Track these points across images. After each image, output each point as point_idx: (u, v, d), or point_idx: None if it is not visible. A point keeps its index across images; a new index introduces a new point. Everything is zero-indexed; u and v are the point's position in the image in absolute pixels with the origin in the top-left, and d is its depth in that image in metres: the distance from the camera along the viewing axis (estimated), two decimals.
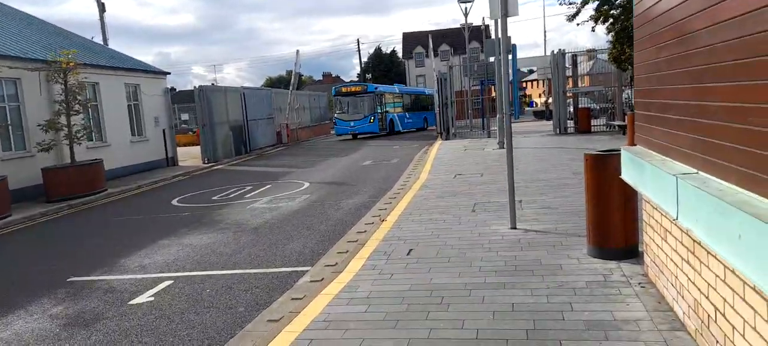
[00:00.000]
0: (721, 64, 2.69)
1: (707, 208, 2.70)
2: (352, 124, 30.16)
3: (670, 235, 3.80)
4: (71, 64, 14.21)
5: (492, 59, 18.64)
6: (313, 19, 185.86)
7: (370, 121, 29.98)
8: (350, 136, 30.33)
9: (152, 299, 5.65)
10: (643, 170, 4.01)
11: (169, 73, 22.51)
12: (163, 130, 20.98)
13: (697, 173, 3.15)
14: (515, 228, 6.57)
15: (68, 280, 6.63)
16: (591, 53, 25.06)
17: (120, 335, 4.74)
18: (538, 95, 64.92)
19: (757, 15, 2.20)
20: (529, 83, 73.71)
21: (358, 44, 63.41)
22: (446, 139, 22.31)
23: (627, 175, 4.58)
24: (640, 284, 4.41)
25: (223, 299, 5.49)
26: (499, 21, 6.71)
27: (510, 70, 9.26)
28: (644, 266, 4.69)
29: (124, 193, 14.68)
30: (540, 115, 37.40)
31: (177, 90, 63.54)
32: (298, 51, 31.21)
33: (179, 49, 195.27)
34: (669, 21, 3.56)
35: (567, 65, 22.22)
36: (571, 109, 22.80)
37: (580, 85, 23.64)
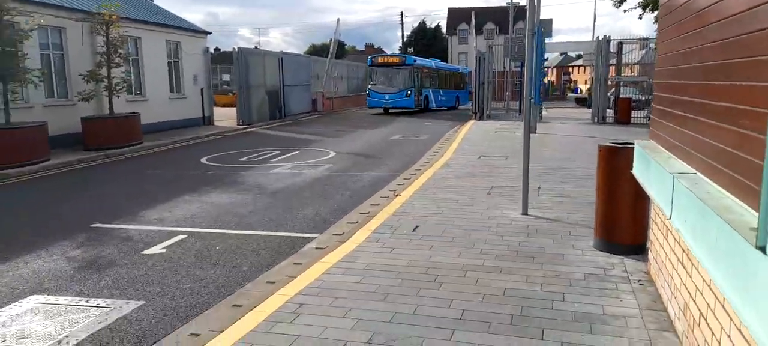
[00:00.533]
0: (721, 63, 2.57)
1: (694, 209, 2.61)
2: (386, 97, 28.52)
3: (670, 234, 3.69)
4: (113, 17, 14.61)
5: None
6: None
7: (405, 96, 28.36)
8: (382, 111, 28.87)
9: (164, 251, 5.88)
10: (649, 166, 3.89)
11: (210, 33, 22.90)
12: (201, 89, 21.44)
13: (694, 173, 3.04)
14: (526, 214, 6.50)
15: (91, 226, 6.95)
16: (642, 42, 24.06)
17: (128, 281, 4.97)
18: (583, 82, 63.04)
19: (753, 14, 2.08)
20: (576, 69, 71.60)
21: (402, 17, 62.67)
22: (479, 120, 22.02)
23: (636, 169, 4.45)
24: (639, 281, 4.32)
25: (230, 257, 5.66)
26: (528, 2, 6.52)
27: (536, 54, 9.00)
28: (647, 264, 4.58)
29: (158, 147, 15.15)
30: (582, 102, 36.40)
31: (221, 51, 64.62)
32: (338, 20, 31.32)
33: (228, 11, 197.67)
34: (685, 13, 3.40)
35: (613, 52, 21.47)
36: (613, 99, 22.10)
37: (625, 73, 22.83)
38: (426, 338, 3.47)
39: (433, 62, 33.69)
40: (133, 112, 15.54)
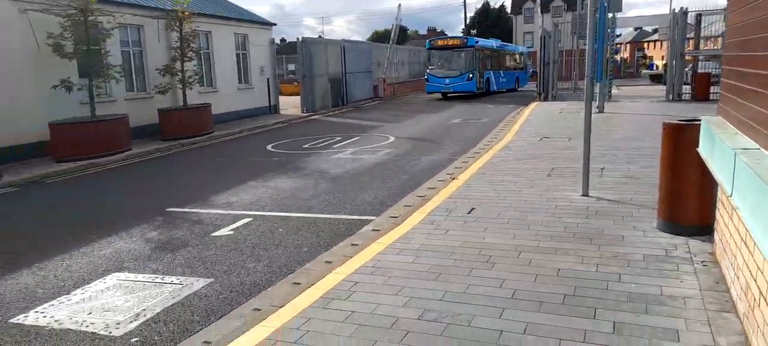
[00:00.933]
0: None
1: (753, 186, 2.50)
2: (446, 81, 27.19)
3: (735, 213, 3.52)
4: (186, 14, 15.40)
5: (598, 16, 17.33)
6: None
7: (467, 79, 26.93)
8: (440, 96, 27.78)
9: (231, 233, 6.23)
10: (714, 143, 3.71)
11: (275, 24, 23.56)
12: (268, 80, 22.18)
13: (758, 149, 2.89)
14: (587, 195, 6.33)
15: (166, 209, 7.46)
16: (725, 12, 22.37)
17: (198, 261, 5.33)
18: (660, 57, 59.46)
19: None
20: (652, 44, 67.62)
21: (464, 1, 61.36)
22: (544, 101, 21.40)
23: (702, 147, 4.25)
24: (703, 262, 4.14)
25: (291, 238, 5.92)
26: None
27: (597, 30, 8.60)
28: (713, 245, 4.37)
29: (227, 136, 15.89)
30: (657, 78, 34.41)
31: (286, 41, 66.31)
32: (399, 5, 31.14)
33: (293, 1, 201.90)
34: None
35: (691, 23, 20.14)
36: (690, 74, 20.76)
37: (705, 47, 21.37)
38: (475, 315, 3.52)
39: (494, 43, 31.99)
40: (205, 103, 16.36)
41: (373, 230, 5.66)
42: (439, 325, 3.43)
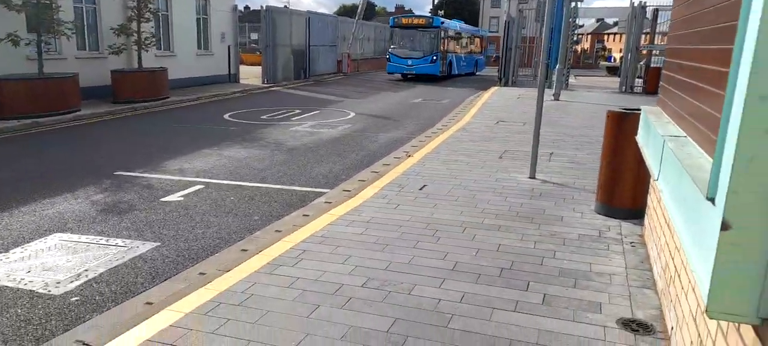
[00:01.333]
0: (712, 27, 2.60)
1: (674, 170, 2.68)
2: (409, 62, 25.85)
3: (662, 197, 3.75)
4: None
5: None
6: None
7: (431, 61, 25.73)
8: (401, 77, 26.57)
9: (181, 199, 6.17)
10: (649, 131, 3.92)
11: None
12: (228, 47, 21.66)
13: (685, 137, 3.09)
14: (534, 178, 6.56)
15: (115, 173, 7.29)
16: None
17: (145, 225, 5.27)
18: (618, 50, 61.15)
19: None
20: (612, 37, 69.40)
21: None
22: (504, 86, 21.77)
23: (639, 135, 4.47)
24: (631, 243, 4.40)
25: (243, 207, 5.91)
26: None
27: (554, 18, 8.83)
28: (643, 228, 4.65)
29: (183, 102, 15.51)
30: (613, 70, 35.47)
31: (250, 9, 64.63)
32: None
33: None
34: None
35: (649, 19, 20.81)
36: (643, 68, 21.51)
37: (661, 42, 22.10)
38: (417, 285, 3.65)
39: (457, 24, 30.97)
40: (161, 67, 15.88)
41: (326, 202, 5.71)
42: (381, 292, 3.54)
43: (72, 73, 12.75)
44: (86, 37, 15.18)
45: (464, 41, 31.94)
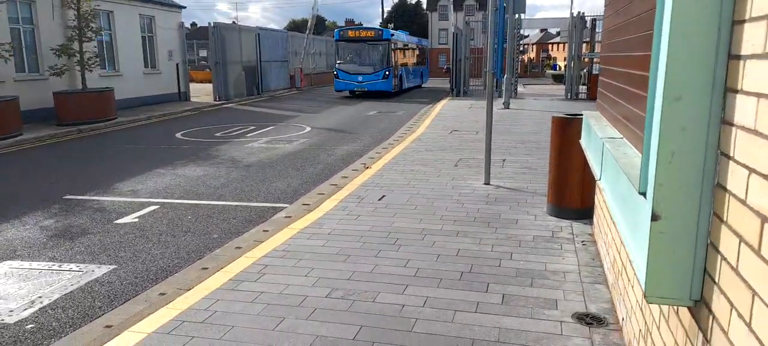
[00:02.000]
0: (639, 35, 2.84)
1: (612, 169, 2.89)
2: (359, 78, 23.87)
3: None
4: None
5: (507, 17, 18.34)
6: None
7: (383, 77, 23.86)
8: (349, 93, 24.58)
9: (136, 220, 6.05)
10: (590, 134, 4.18)
11: (185, 8, 22.58)
12: (177, 65, 21.26)
13: (621, 138, 3.33)
14: (488, 184, 6.79)
15: (64, 197, 7.06)
16: None
17: (100, 248, 5.15)
18: (562, 58, 63.61)
19: None
20: (555, 46, 72.09)
21: None
22: (456, 97, 22.27)
23: (583, 138, 4.74)
24: (582, 242, 4.65)
25: (201, 225, 5.85)
26: None
27: (501, 28, 9.20)
28: (592, 227, 4.91)
29: (132, 122, 15.11)
30: (558, 78, 36.87)
31: (198, 26, 63.55)
32: None
33: None
34: None
35: (588, 28, 21.81)
36: (586, 75, 22.49)
37: (599, 50, 23.17)
38: (380, 292, 3.75)
39: (404, 35, 29.60)
40: (107, 88, 15.43)
41: (286, 216, 5.74)
42: (346, 301, 3.61)
43: (11, 97, 12.22)
44: (25, 58, 14.60)
45: (412, 53, 30.78)
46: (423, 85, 31.78)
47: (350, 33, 25.21)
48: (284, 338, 3.16)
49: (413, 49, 30.97)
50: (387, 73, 24.07)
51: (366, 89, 23.88)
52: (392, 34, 25.11)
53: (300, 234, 5.05)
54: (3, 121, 11.62)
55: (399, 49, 26.60)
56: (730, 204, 1.45)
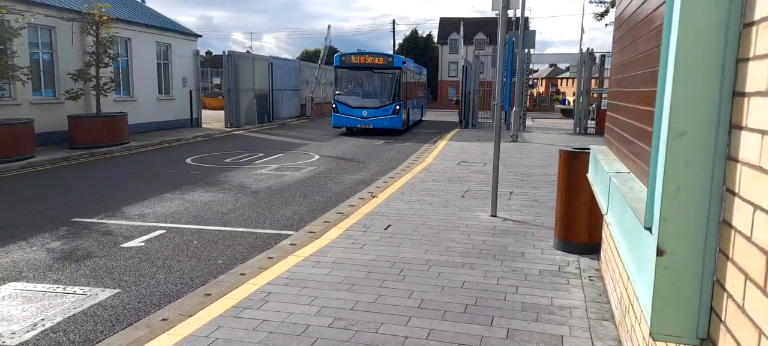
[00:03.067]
0: (645, 71, 2.85)
1: (619, 203, 2.87)
2: (364, 113, 19.80)
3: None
4: (104, 17, 14.77)
5: (516, 52, 18.53)
6: None
7: (393, 112, 19.92)
8: (346, 130, 20.66)
9: (142, 244, 6.06)
10: (597, 168, 4.16)
11: (201, 36, 23.06)
12: (190, 92, 21.58)
13: (628, 173, 3.31)
14: (495, 216, 6.76)
15: (72, 219, 7.10)
16: None
17: (105, 272, 5.15)
18: (571, 93, 63.91)
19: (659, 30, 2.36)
20: (564, 81, 72.49)
21: (394, 26, 62.78)
22: (465, 128, 22.35)
23: (590, 173, 4.72)
24: (590, 277, 4.59)
25: (206, 251, 5.85)
26: (500, 13, 6.81)
27: (507, 64, 9.32)
28: (600, 262, 4.85)
29: (144, 147, 15.28)
30: (567, 113, 36.95)
31: (213, 54, 64.70)
32: (329, 26, 31.49)
33: (222, 15, 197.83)
34: (628, 27, 3.68)
35: (598, 64, 21.97)
36: (595, 110, 22.53)
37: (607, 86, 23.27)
38: (383, 323, 3.70)
39: (412, 64, 25.38)
40: (121, 112, 15.66)
41: (291, 244, 5.73)
42: (348, 332, 3.57)
43: (26, 119, 12.43)
44: (42, 82, 14.89)
45: (419, 84, 27.78)
46: (423, 119, 28.45)
47: (353, 59, 20.70)
48: None
49: (419, 78, 28.04)
50: (397, 107, 19.90)
51: (371, 126, 19.78)
52: (403, 62, 21.01)
53: (305, 262, 5.03)
54: (17, 143, 11.80)
55: (409, 80, 23.18)
56: (736, 240, 1.43)
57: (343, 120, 20.06)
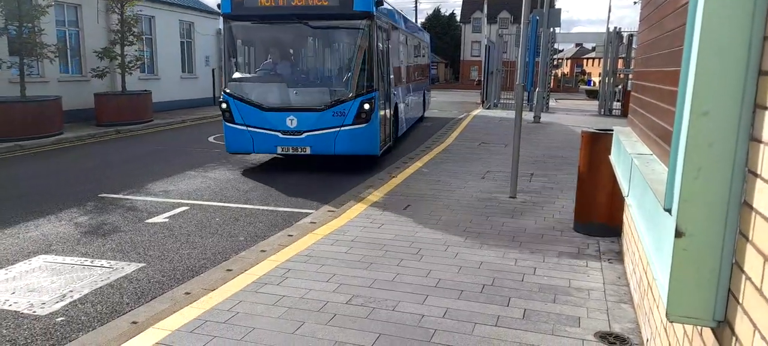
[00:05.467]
0: (670, 50, 2.78)
1: (640, 185, 2.83)
2: (290, 122, 8.70)
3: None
4: None
5: (540, 30, 18.17)
6: None
7: (357, 117, 8.69)
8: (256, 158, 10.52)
9: (167, 220, 6.19)
10: (620, 150, 4.10)
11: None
12: (213, 70, 21.76)
13: (651, 155, 3.25)
14: (514, 197, 6.72)
15: (99, 195, 7.29)
16: None
17: (130, 246, 5.29)
18: (597, 74, 62.72)
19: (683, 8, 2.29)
20: (590, 61, 71.11)
21: (416, 3, 62.13)
22: (486, 109, 22.14)
23: (612, 154, 4.65)
24: (609, 259, 4.55)
25: (228, 228, 5.95)
26: None
27: (533, 41, 9.19)
28: (620, 245, 4.80)
29: (167, 125, 15.51)
30: (592, 94, 36.29)
31: None
32: None
33: None
34: (654, 5, 3.59)
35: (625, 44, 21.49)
36: (621, 91, 22.09)
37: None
38: (400, 301, 3.74)
39: (398, 16, 13.04)
40: (145, 90, 15.90)
41: (311, 222, 5.79)
42: (366, 309, 3.62)
43: (54, 97, 12.71)
44: (69, 60, 15.18)
45: (414, 54, 15.65)
46: (425, 116, 17.77)
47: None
48: (303, 342, 3.18)
49: (416, 44, 16.03)
50: (366, 106, 8.78)
51: (308, 149, 8.86)
52: (379, 3, 9.21)
53: (324, 240, 5.09)
54: (46, 119, 12.09)
55: (394, 46, 11.64)
56: (756, 223, 1.41)
57: (244, 140, 9.05)
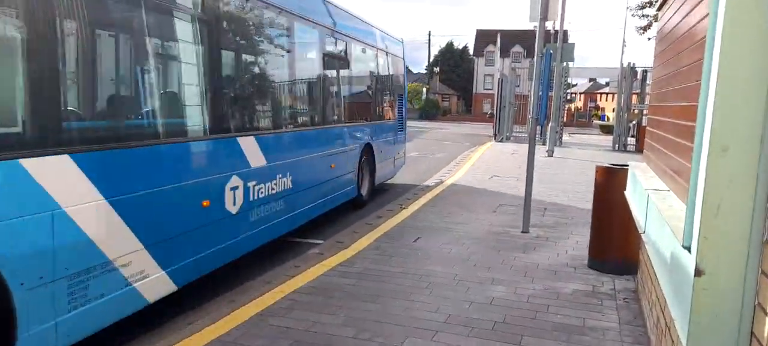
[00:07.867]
0: (686, 86, 2.74)
1: (656, 222, 2.75)
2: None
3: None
4: None
5: (553, 65, 18.20)
6: (397, 2, 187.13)
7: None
8: None
9: None
10: (635, 186, 4.02)
11: None
12: None
13: (668, 190, 3.18)
14: (527, 232, 6.61)
15: None
16: None
17: None
18: (611, 109, 62.50)
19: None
20: (604, 96, 71.04)
21: (429, 37, 63.18)
22: (499, 142, 22.10)
23: (628, 190, 4.57)
24: (625, 299, 4.41)
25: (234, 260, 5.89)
26: (538, 25, 6.70)
27: (546, 75, 9.22)
28: (636, 283, 4.67)
29: None
30: (606, 129, 36.10)
31: None
32: None
33: None
34: (669, 41, 3.56)
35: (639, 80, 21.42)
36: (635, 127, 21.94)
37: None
38: (409, 336, 3.64)
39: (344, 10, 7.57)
40: None
41: (318, 253, 5.72)
42: (373, 344, 3.52)
43: None
44: None
45: (373, 75, 9.24)
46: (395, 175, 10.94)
47: None
48: None
49: (378, 57, 9.42)
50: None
51: None
52: None
53: (332, 271, 5.02)
54: None
55: (324, 57, 6.95)
56: None
57: None
